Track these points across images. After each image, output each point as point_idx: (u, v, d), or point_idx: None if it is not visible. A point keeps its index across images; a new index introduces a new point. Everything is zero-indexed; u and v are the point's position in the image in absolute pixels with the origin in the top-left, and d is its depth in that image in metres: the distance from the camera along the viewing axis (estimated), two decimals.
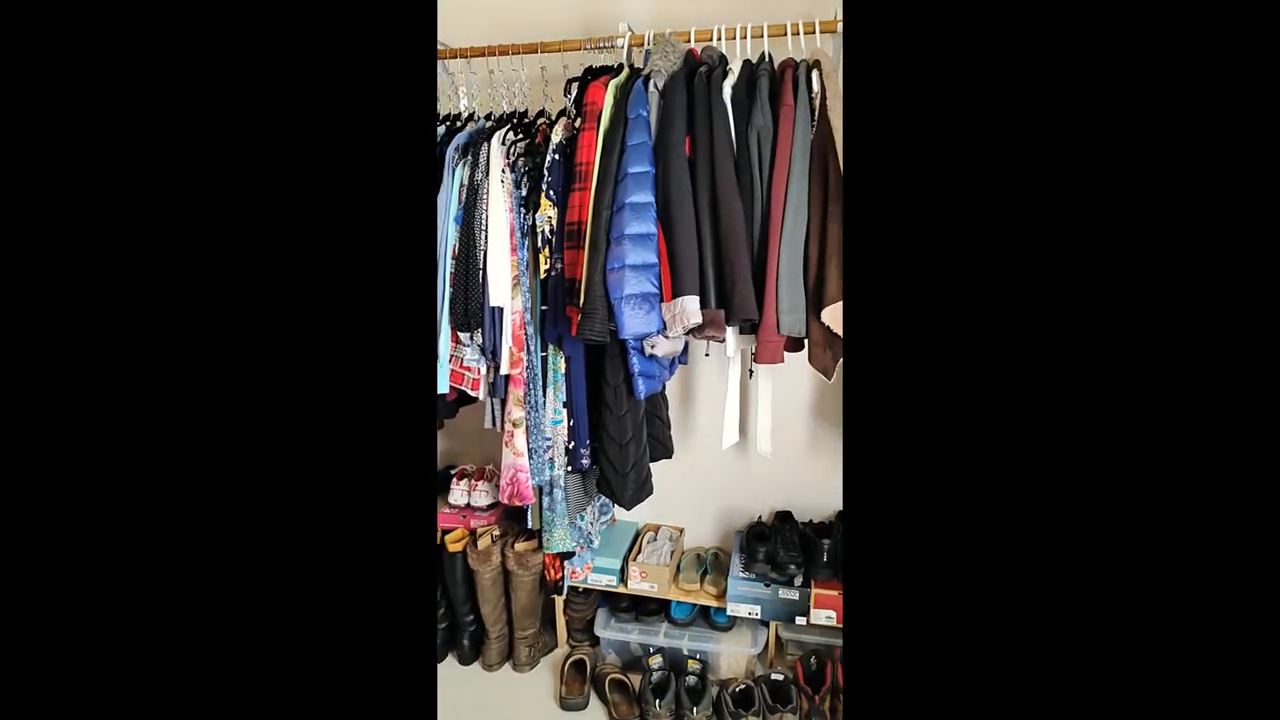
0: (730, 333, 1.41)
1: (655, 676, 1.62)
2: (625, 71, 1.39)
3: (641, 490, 1.54)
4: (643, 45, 1.44)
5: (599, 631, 1.78)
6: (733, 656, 1.71)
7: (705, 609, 1.81)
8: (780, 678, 1.60)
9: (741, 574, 1.71)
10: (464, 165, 1.46)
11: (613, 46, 1.46)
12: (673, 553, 1.84)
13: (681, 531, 1.96)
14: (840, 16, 1.34)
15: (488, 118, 1.58)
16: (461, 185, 1.46)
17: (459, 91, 1.62)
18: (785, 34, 1.35)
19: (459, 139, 1.49)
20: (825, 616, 1.63)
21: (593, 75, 1.44)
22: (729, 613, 1.71)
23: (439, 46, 1.58)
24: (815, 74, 1.29)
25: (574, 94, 1.43)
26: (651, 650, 1.70)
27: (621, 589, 1.80)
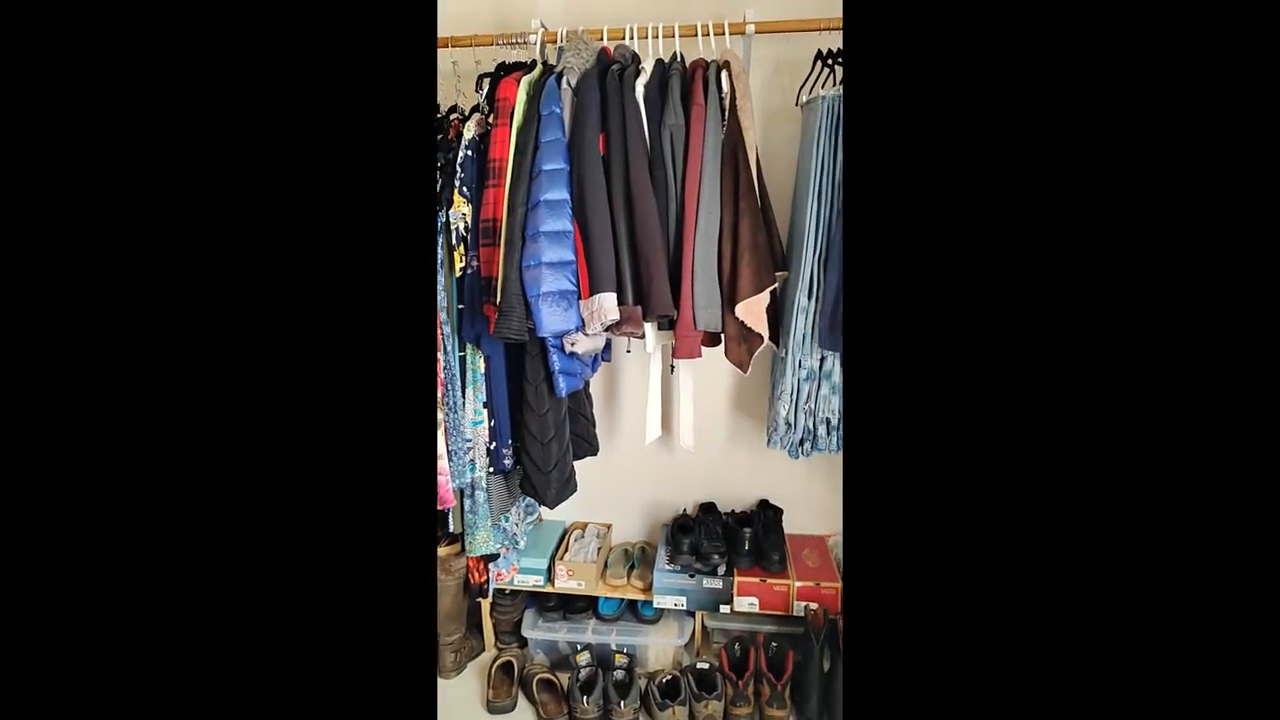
0: (649, 329, 1.42)
1: (583, 673, 1.62)
2: (538, 68, 1.38)
3: (565, 488, 1.54)
4: (556, 42, 1.44)
5: (526, 632, 1.77)
6: (660, 648, 1.73)
7: (633, 603, 1.83)
8: (705, 666, 1.63)
9: (667, 566, 1.73)
10: None
11: (525, 43, 1.46)
12: (600, 549, 1.85)
13: (609, 528, 1.97)
14: (748, 18, 1.38)
15: None
16: None
17: None
18: (696, 34, 1.38)
19: None
20: (748, 603, 1.67)
21: (505, 71, 1.42)
22: (655, 605, 1.73)
23: None
24: (725, 74, 1.32)
25: (486, 90, 1.42)
26: (579, 648, 1.70)
27: (549, 588, 1.79)
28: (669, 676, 1.60)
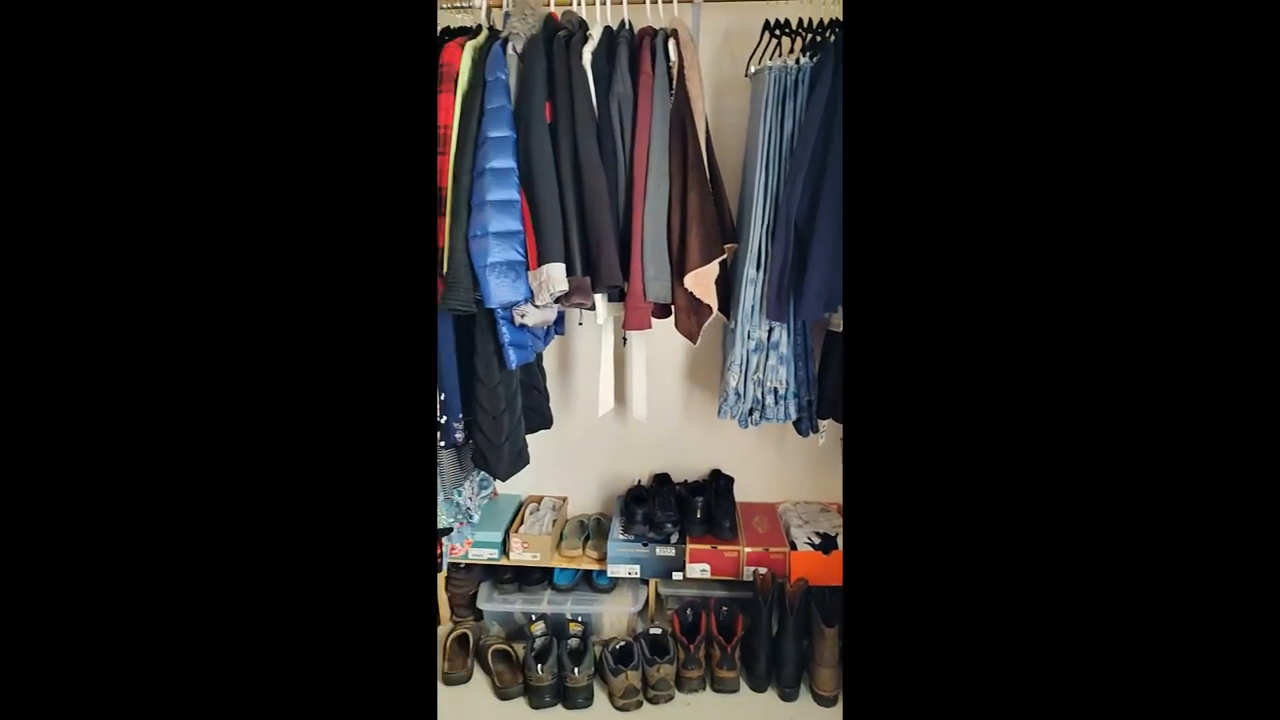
0: (599, 300, 1.42)
1: (538, 643, 1.64)
2: (483, 33, 1.35)
3: (517, 461, 1.54)
4: (501, 7, 1.41)
5: (482, 605, 1.78)
6: (614, 616, 1.76)
7: (588, 573, 1.85)
8: (659, 631, 1.67)
9: (621, 536, 1.75)
10: None
11: (470, 7, 1.42)
12: (554, 521, 1.86)
13: (565, 500, 1.98)
14: None
15: None
16: None
17: None
18: (644, 2, 1.36)
19: None
20: (700, 570, 1.71)
21: (449, 36, 1.38)
22: (609, 574, 1.76)
23: None
24: (673, 42, 1.31)
25: None
26: (534, 618, 1.72)
27: (504, 561, 1.80)
28: (623, 643, 1.63)
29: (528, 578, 1.83)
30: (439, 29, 1.40)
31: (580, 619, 1.73)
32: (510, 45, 1.30)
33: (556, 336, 1.73)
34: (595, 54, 1.30)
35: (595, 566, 1.79)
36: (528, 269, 1.30)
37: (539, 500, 1.97)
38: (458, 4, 1.41)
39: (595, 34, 1.32)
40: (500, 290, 1.28)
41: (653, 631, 1.67)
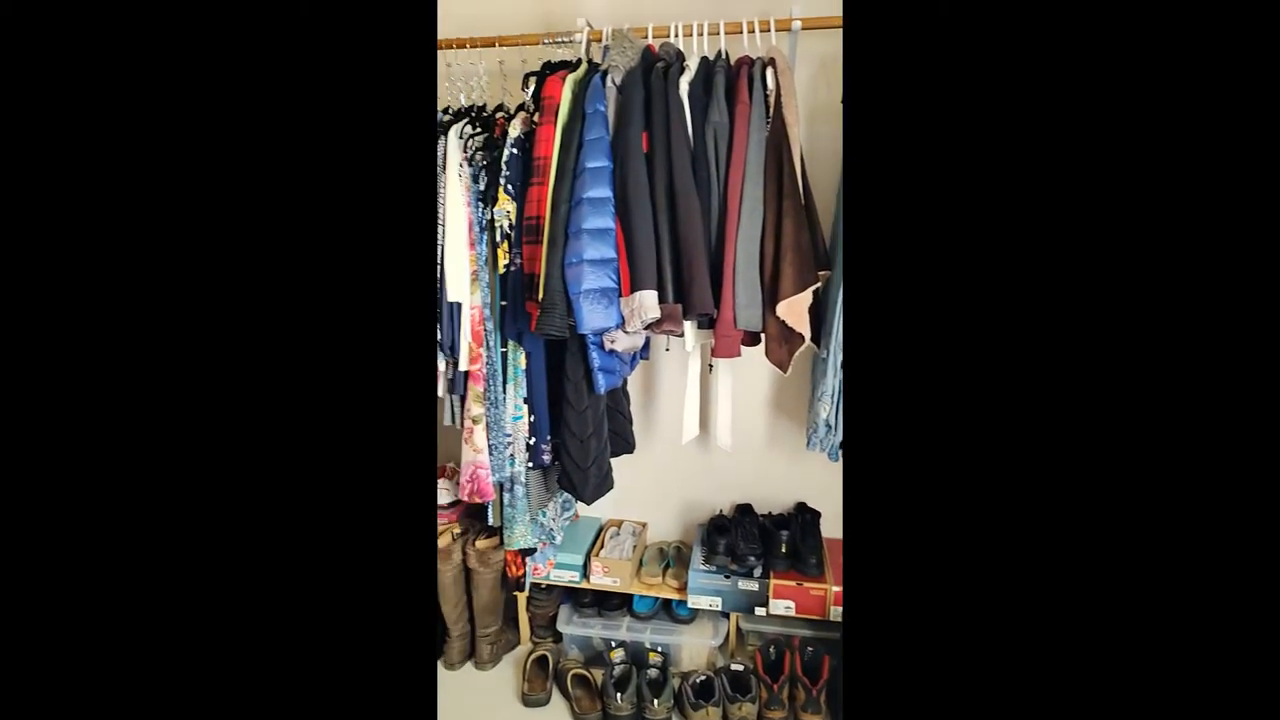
0: (689, 327, 1.42)
1: (617, 670, 1.63)
2: (583, 66, 1.39)
3: (602, 485, 1.54)
4: (601, 40, 1.45)
5: (561, 627, 1.78)
6: (694, 648, 1.73)
7: (667, 602, 1.82)
8: (740, 668, 1.62)
9: (702, 566, 1.72)
10: None
11: (571, 41, 1.47)
12: (635, 547, 1.85)
13: (644, 526, 1.97)
14: (794, 15, 1.37)
15: (445, 111, 1.56)
16: None
17: None
18: (741, 32, 1.37)
19: None
20: (784, 607, 1.66)
21: (551, 70, 1.43)
22: (690, 605, 1.73)
23: None
24: (770, 71, 1.31)
25: (532, 88, 1.43)
26: (614, 644, 1.70)
27: (584, 584, 1.80)
28: (703, 677, 1.60)
29: (607, 603, 1.83)
30: (542, 63, 1.45)
31: (660, 649, 1.70)
32: (610, 78, 1.33)
33: (641, 361, 1.74)
34: (692, 84, 1.31)
35: (675, 596, 1.76)
36: (620, 295, 1.32)
37: (619, 524, 1.97)
38: (559, 39, 1.46)
39: (692, 65, 1.34)
40: (593, 316, 1.30)
41: (734, 668, 1.62)
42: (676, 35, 1.41)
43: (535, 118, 1.40)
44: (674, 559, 1.86)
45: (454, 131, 1.43)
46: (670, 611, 1.81)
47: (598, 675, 1.68)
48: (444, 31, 1.54)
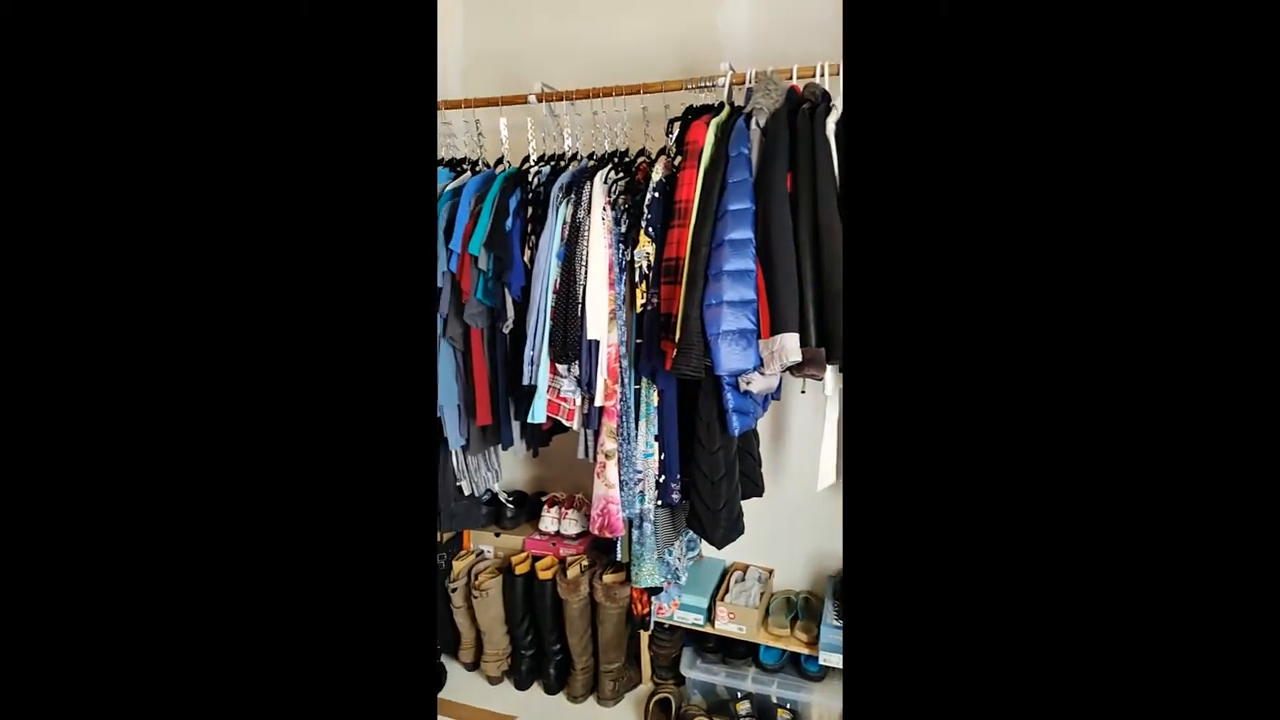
0: (830, 371, 1.37)
1: None
2: (726, 110, 1.40)
3: (733, 529, 1.51)
4: (744, 83, 1.45)
5: (685, 671, 1.75)
6: (825, 709, 1.63)
7: (795, 656, 1.74)
8: None
9: (835, 621, 1.63)
10: (567, 204, 1.51)
11: (713, 85, 1.48)
12: (762, 594, 1.79)
13: (771, 573, 1.90)
14: None
15: (590, 157, 1.63)
16: (564, 223, 1.51)
17: (564, 132, 1.69)
18: None
19: (563, 179, 1.54)
20: None
21: (694, 114, 1.46)
22: (821, 662, 1.63)
23: (544, 90, 1.66)
24: None
25: (676, 133, 1.46)
26: (739, 695, 1.65)
27: (708, 628, 1.76)
28: None
29: (732, 650, 1.77)
30: (685, 108, 1.48)
31: (789, 705, 1.62)
32: (754, 120, 1.33)
33: (772, 402, 1.70)
34: (839, 124, 1.28)
35: (805, 650, 1.68)
36: (759, 337, 1.29)
37: (744, 569, 1.91)
38: (701, 83, 1.49)
39: (838, 104, 1.31)
40: (730, 358, 1.28)
41: None
42: (822, 75, 1.39)
43: (677, 161, 1.43)
44: (802, 610, 1.78)
45: (599, 177, 1.49)
46: (799, 666, 1.73)
47: None
48: (589, 80, 1.61)
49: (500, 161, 1.75)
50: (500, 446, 1.76)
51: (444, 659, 1.95)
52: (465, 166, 1.78)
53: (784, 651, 1.75)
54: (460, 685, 1.89)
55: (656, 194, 1.42)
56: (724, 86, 1.47)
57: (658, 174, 1.43)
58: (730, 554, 1.94)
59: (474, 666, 1.93)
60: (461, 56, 2.05)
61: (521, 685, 1.86)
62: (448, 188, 1.69)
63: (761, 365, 1.31)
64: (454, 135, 1.84)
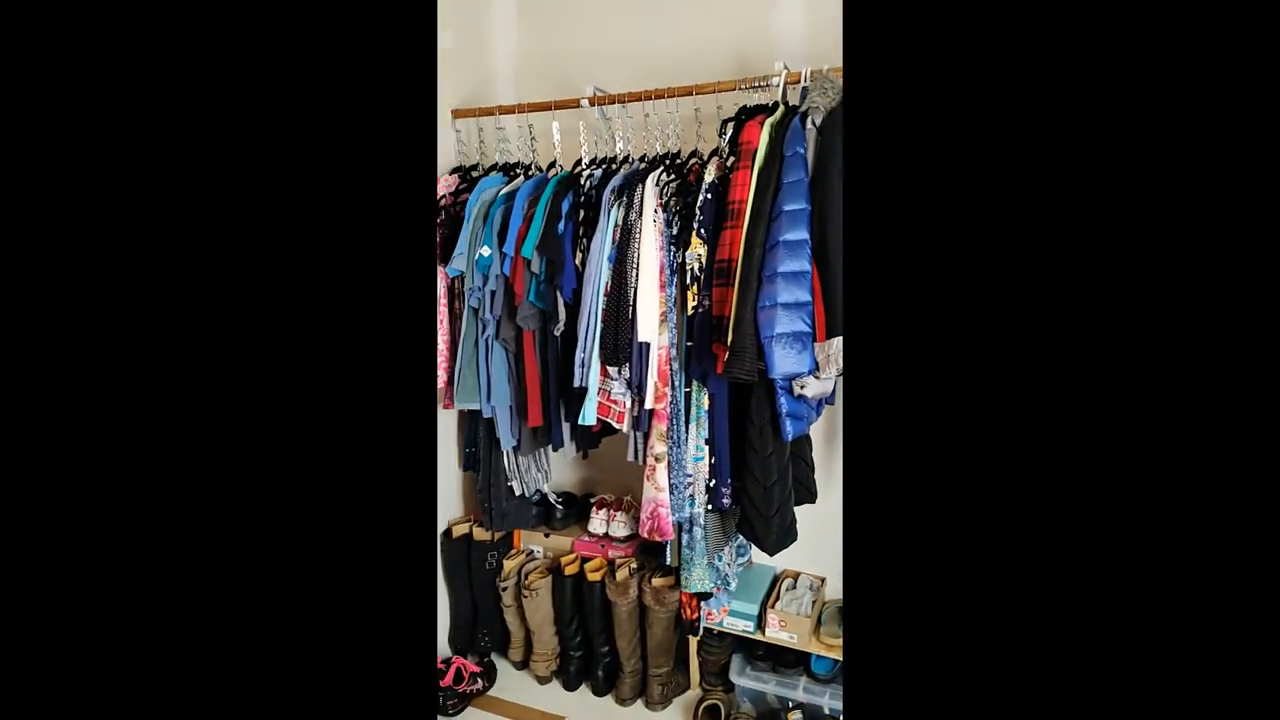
0: None
1: None
2: (780, 110, 1.38)
3: (786, 536, 1.48)
4: (799, 83, 1.43)
5: (735, 678, 1.72)
6: None
7: None
8: None
9: None
10: (619, 206, 1.51)
11: (767, 85, 1.47)
12: (814, 603, 1.75)
13: (823, 581, 1.86)
14: None
15: (641, 159, 1.63)
16: (616, 225, 1.51)
17: (615, 135, 1.69)
18: None
19: (615, 181, 1.55)
20: None
21: (747, 115, 1.44)
22: None
23: (597, 93, 1.66)
24: None
25: (729, 134, 1.45)
26: (791, 705, 1.61)
27: (758, 636, 1.73)
28: None
29: (782, 658, 1.74)
30: (738, 108, 1.47)
31: (842, 717, 1.58)
32: (810, 119, 1.31)
33: (827, 406, 1.66)
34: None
35: None
36: (814, 340, 1.27)
37: (795, 577, 1.88)
38: (756, 83, 1.47)
39: None
40: (785, 361, 1.26)
41: None
42: None
43: (730, 162, 1.42)
44: None
45: (651, 179, 1.49)
46: None
47: None
48: (641, 83, 1.61)
49: (553, 165, 1.76)
50: (551, 448, 1.77)
51: (494, 657, 1.98)
52: (519, 171, 1.81)
53: (837, 662, 1.70)
54: (509, 684, 1.91)
55: (709, 195, 1.41)
56: (778, 86, 1.45)
57: (710, 175, 1.42)
58: (781, 561, 1.91)
59: (523, 665, 1.95)
60: (515, 61, 2.08)
61: (570, 686, 1.87)
62: (502, 192, 1.72)
63: (816, 369, 1.28)
64: (508, 140, 1.87)
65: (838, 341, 1.23)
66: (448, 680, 1.78)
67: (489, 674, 1.90)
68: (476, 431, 1.86)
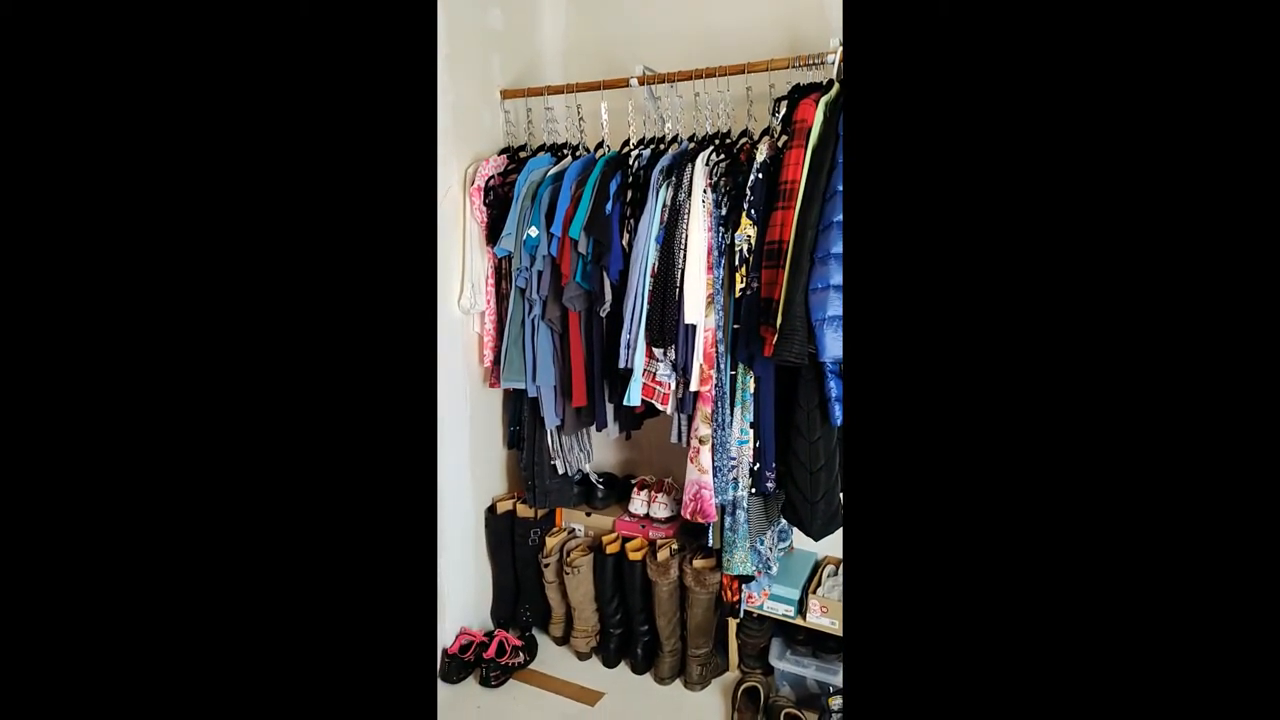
0: None
1: (835, 719, 1.53)
2: (836, 88, 1.35)
3: (832, 522, 1.47)
4: None
5: (774, 662, 1.72)
6: None
7: None
8: None
9: None
10: (667, 186, 1.50)
11: (821, 63, 1.43)
12: None
13: None
14: None
15: (691, 139, 1.61)
16: (664, 206, 1.50)
17: (663, 116, 1.68)
18: None
19: (663, 161, 1.54)
20: None
21: (801, 93, 1.41)
22: None
23: (646, 73, 1.65)
24: None
25: (782, 112, 1.42)
26: (832, 690, 1.61)
27: (799, 621, 1.73)
28: None
29: (823, 644, 1.74)
30: (791, 86, 1.44)
31: None
32: None
33: None
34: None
35: None
36: None
37: (837, 563, 1.87)
38: (809, 61, 1.44)
39: None
40: (836, 344, 1.24)
41: None
42: None
43: (781, 142, 1.39)
44: None
45: (700, 159, 1.47)
46: None
47: (810, 717, 1.60)
48: (692, 61, 1.59)
49: (600, 146, 1.76)
50: (595, 428, 1.79)
51: (534, 632, 2.02)
52: (566, 151, 1.81)
53: None
54: (549, 658, 1.95)
55: (760, 175, 1.39)
56: (833, 64, 1.41)
57: (761, 155, 1.40)
58: (823, 547, 1.89)
59: (563, 641, 1.98)
60: (563, 41, 2.07)
61: (609, 663, 1.89)
62: (549, 172, 1.72)
63: None
64: (555, 120, 1.87)
65: None
66: (490, 652, 1.82)
67: (530, 648, 1.94)
68: (521, 410, 1.89)
